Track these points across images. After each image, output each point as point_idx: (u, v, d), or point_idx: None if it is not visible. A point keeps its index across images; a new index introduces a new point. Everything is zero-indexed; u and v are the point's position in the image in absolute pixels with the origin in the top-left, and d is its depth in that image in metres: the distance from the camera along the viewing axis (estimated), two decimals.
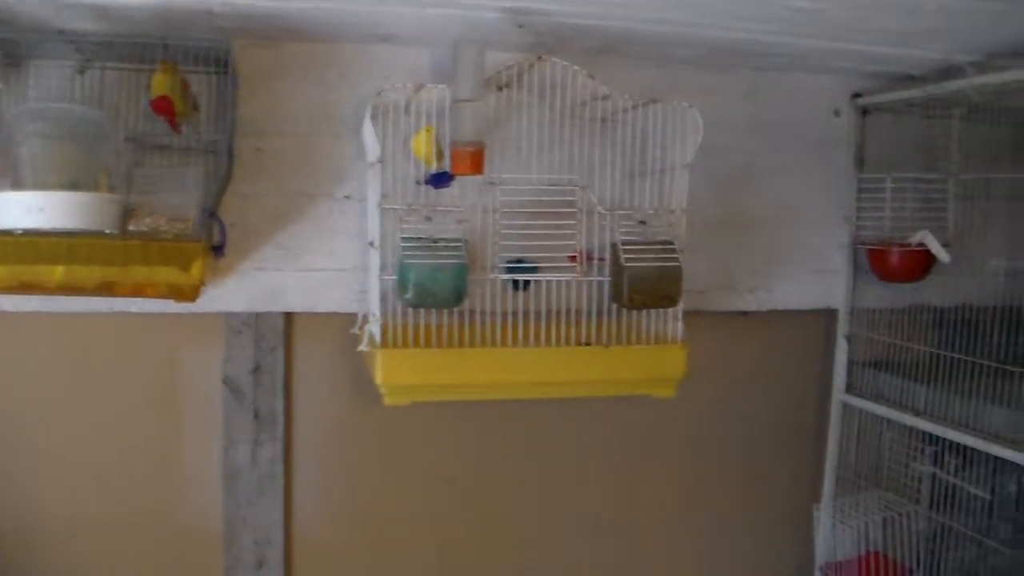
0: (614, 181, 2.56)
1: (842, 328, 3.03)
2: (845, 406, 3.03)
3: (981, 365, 2.61)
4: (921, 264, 2.74)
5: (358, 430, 2.79)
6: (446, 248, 2.28)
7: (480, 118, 2.32)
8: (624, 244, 2.38)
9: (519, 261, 2.45)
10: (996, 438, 2.48)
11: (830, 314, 3.08)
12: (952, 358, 2.68)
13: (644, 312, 2.49)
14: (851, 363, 3.02)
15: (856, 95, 2.95)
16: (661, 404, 2.62)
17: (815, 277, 3.04)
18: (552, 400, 2.79)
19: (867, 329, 2.99)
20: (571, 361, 2.40)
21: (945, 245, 2.66)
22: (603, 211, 2.44)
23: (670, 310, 2.47)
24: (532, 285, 2.52)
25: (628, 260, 2.35)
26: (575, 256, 2.39)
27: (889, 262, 2.79)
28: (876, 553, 2.87)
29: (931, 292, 2.91)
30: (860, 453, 3.01)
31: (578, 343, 2.47)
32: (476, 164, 2.30)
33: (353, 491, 2.83)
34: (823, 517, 3.03)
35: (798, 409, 3.17)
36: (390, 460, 2.84)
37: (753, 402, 3.11)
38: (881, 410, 2.87)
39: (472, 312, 2.43)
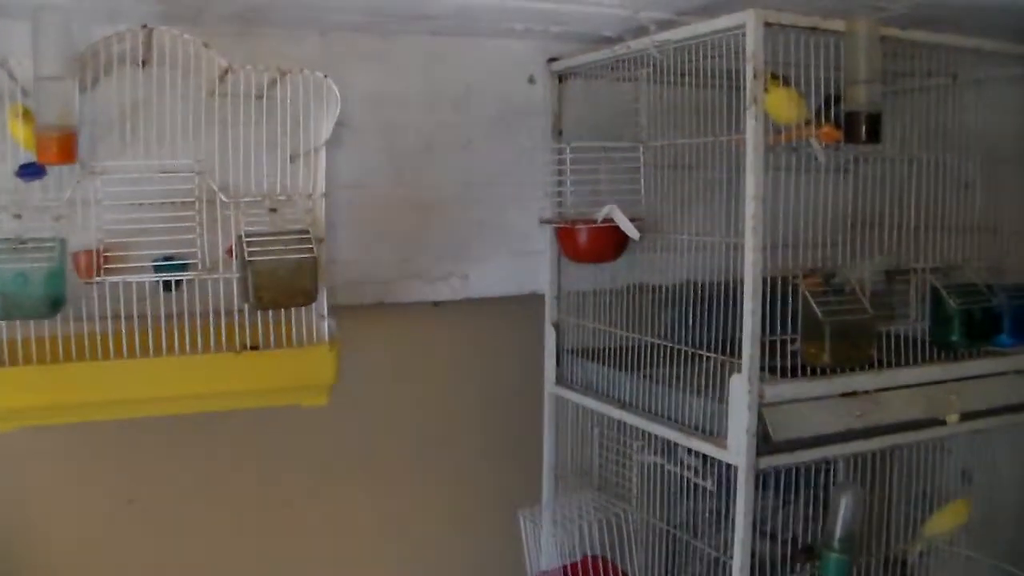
0: (271, 165, 2.24)
1: (549, 314, 2.78)
2: (557, 399, 2.79)
3: (680, 351, 2.40)
4: (610, 242, 2.49)
5: (27, 454, 2.50)
6: (36, 250, 1.98)
7: (71, 98, 1.99)
8: (249, 236, 2.10)
9: (168, 259, 2.16)
10: (695, 430, 2.27)
11: (537, 299, 2.83)
12: (653, 344, 2.46)
13: (299, 310, 2.21)
14: (560, 352, 2.77)
15: (552, 59, 2.70)
16: (355, 408, 2.46)
17: (516, 260, 2.80)
18: (234, 412, 2.49)
19: (576, 315, 2.75)
20: (198, 372, 2.12)
21: (635, 220, 2.42)
22: (225, 199, 2.15)
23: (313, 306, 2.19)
24: (184, 286, 2.21)
25: (253, 254, 2.07)
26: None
27: (577, 241, 2.53)
28: (588, 557, 2.63)
29: (643, 271, 2.63)
30: (575, 450, 2.77)
31: (242, 349, 2.17)
32: (64, 152, 1.99)
33: (27, 521, 2.54)
34: (544, 521, 2.76)
35: (512, 405, 2.95)
36: (66, 483, 2.59)
37: (459, 400, 2.91)
38: (589, 403, 2.63)
39: (99, 320, 2.11)
